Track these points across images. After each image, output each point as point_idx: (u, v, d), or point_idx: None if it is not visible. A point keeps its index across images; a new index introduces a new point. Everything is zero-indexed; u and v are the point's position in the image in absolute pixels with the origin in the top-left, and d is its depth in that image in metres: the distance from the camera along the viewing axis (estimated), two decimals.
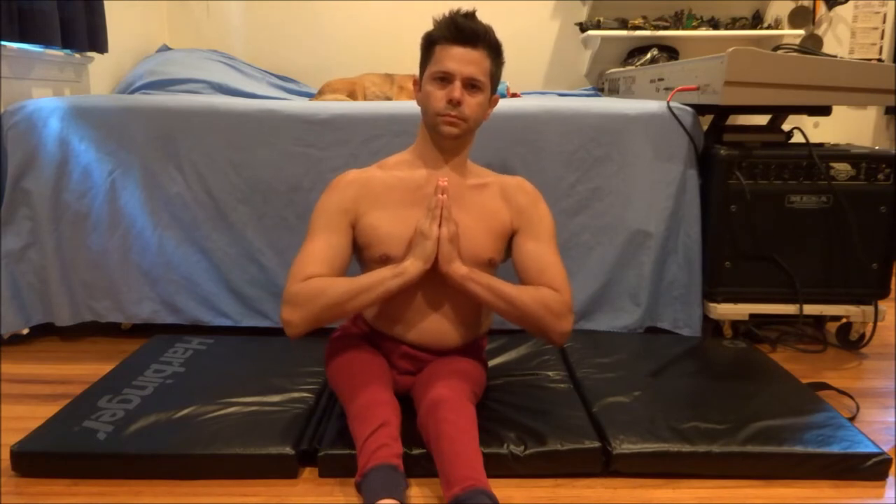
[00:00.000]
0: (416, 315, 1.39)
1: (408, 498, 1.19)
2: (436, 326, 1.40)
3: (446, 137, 1.37)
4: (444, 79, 1.34)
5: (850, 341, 2.02)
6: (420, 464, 1.25)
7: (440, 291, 1.38)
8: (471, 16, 1.35)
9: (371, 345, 1.45)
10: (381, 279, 1.31)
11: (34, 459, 1.29)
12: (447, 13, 1.36)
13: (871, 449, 1.31)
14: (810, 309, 1.97)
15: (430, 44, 1.36)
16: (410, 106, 2.10)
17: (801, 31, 3.15)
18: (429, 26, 1.36)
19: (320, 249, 1.34)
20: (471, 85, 1.34)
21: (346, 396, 1.32)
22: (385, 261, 1.36)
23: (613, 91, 2.86)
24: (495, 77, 1.40)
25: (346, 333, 1.49)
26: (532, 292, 1.35)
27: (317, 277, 1.31)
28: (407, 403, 1.34)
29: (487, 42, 1.35)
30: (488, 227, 1.42)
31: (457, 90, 1.33)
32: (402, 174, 1.42)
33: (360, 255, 1.43)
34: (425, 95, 1.37)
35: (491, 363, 1.68)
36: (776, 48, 1.96)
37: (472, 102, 1.35)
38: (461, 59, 1.33)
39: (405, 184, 1.41)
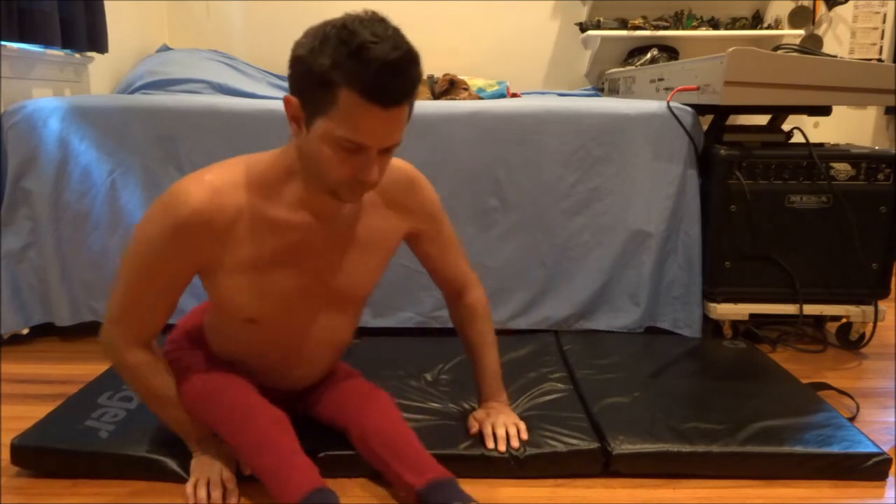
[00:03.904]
0: (297, 366, 1.28)
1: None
2: (316, 367, 1.31)
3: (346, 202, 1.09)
4: (352, 149, 0.97)
5: (850, 341, 2.01)
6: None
7: (316, 345, 1.26)
8: (403, 58, 0.92)
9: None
10: (181, 430, 1.24)
11: (35, 454, 1.29)
12: (365, 43, 0.90)
13: (871, 449, 1.31)
14: (810, 309, 1.96)
15: (327, 81, 0.93)
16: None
17: (801, 31, 3.15)
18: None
19: (153, 310, 1.16)
20: (388, 149, 1.01)
21: (233, 431, 1.18)
22: (251, 322, 1.17)
23: (613, 91, 2.86)
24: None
25: (184, 361, 1.28)
26: (488, 334, 1.37)
27: (146, 356, 1.19)
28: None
29: (415, 88, 0.98)
30: (377, 254, 1.21)
31: (374, 171, 0.99)
32: (275, 213, 1.08)
33: (217, 306, 1.23)
34: (318, 155, 0.98)
35: None
36: (776, 48, 1.96)
37: (384, 165, 1.03)
38: (384, 128, 0.96)
39: (278, 231, 1.09)
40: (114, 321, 1.17)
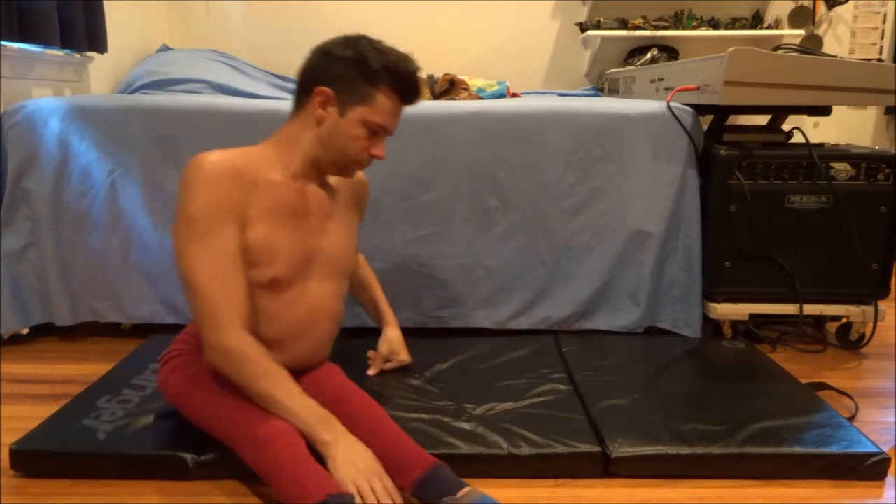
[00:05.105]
0: (293, 340, 1.31)
1: None
2: (311, 346, 1.35)
3: (345, 176, 1.35)
4: (377, 131, 1.28)
5: (850, 341, 2.02)
6: None
7: (316, 310, 1.32)
8: (418, 72, 1.29)
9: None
10: (300, 417, 1.16)
11: (34, 458, 1.28)
12: (401, 58, 1.26)
13: (871, 449, 1.31)
14: (810, 309, 1.97)
15: (373, 80, 1.24)
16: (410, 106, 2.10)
17: (801, 31, 3.15)
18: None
19: (232, 282, 1.17)
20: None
21: (245, 437, 1.18)
22: (273, 285, 1.24)
23: (613, 91, 2.86)
24: None
25: (192, 365, 1.31)
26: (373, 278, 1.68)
27: (248, 339, 1.17)
28: None
29: None
30: (352, 234, 1.43)
31: (384, 149, 1.30)
32: (276, 177, 1.26)
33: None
34: (349, 136, 1.26)
35: (489, 365, 1.69)
36: (776, 48, 1.96)
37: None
38: (398, 118, 1.31)
39: (288, 190, 1.26)
40: (209, 324, 1.16)
